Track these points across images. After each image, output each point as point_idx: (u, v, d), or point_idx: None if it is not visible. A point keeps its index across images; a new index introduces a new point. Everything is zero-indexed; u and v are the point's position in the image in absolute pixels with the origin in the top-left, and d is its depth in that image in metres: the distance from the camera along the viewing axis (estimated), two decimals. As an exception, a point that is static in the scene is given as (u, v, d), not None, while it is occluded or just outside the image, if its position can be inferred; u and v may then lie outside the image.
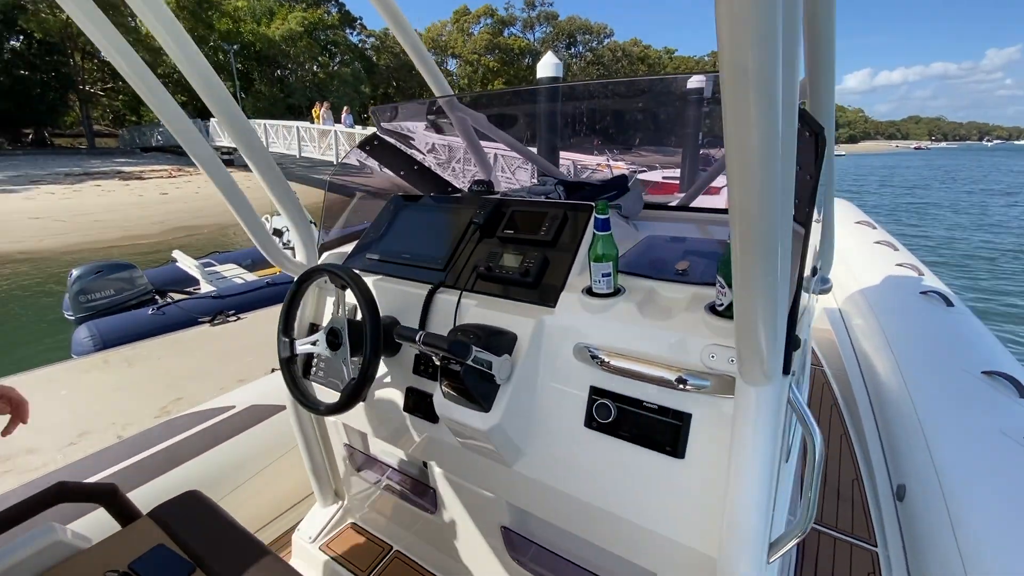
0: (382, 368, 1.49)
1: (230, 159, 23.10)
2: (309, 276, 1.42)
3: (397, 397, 1.45)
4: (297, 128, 19.60)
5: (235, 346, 4.65)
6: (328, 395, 1.65)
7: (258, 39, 32.77)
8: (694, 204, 1.87)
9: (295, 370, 1.45)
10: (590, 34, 57.95)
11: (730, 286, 0.96)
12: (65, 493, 1.26)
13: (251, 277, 6.89)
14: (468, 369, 1.10)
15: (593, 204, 1.35)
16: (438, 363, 1.22)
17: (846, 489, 2.21)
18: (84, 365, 4.33)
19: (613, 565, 1.18)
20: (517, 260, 1.32)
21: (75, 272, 5.58)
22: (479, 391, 1.12)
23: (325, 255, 1.76)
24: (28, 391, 3.90)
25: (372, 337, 1.24)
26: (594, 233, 1.10)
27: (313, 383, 1.67)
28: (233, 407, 2.23)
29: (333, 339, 1.37)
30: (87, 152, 29.08)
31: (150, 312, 5.42)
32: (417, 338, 1.08)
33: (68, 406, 3.50)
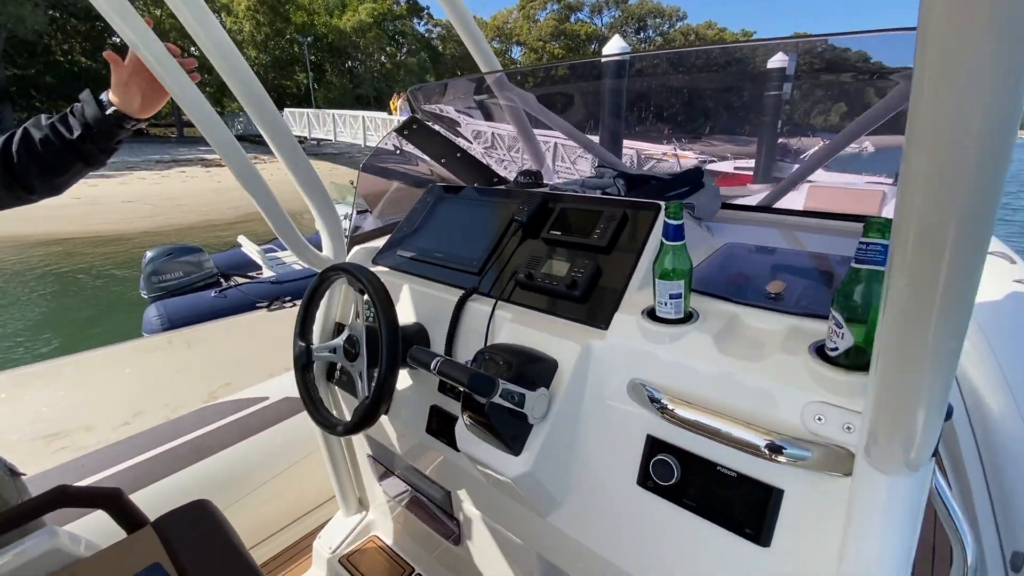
0: (406, 380, 1.32)
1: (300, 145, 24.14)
2: (327, 276, 1.26)
3: (420, 415, 1.27)
4: (363, 118, 20.07)
5: (288, 332, 4.69)
6: (351, 403, 1.51)
7: (330, 31, 33.89)
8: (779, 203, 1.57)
9: (310, 379, 1.31)
10: (661, 17, 55.63)
11: (850, 322, 0.70)
12: (66, 497, 1.19)
13: (309, 263, 7.04)
14: (494, 405, 0.89)
15: (661, 204, 1.11)
16: (462, 388, 1.02)
17: (943, 546, 1.84)
18: (150, 345, 4.52)
19: None
20: (564, 268, 1.10)
21: (149, 254, 5.87)
22: (507, 431, 0.91)
23: (355, 249, 1.61)
24: (99, 367, 4.06)
25: (388, 352, 1.06)
26: (662, 242, 0.86)
27: (337, 388, 1.54)
28: (267, 398, 2.17)
29: (350, 348, 1.21)
30: (176, 140, 31.27)
31: (213, 295, 5.62)
32: (432, 366, 0.88)
33: (129, 385, 3.63)
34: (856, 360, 0.71)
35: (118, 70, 1.06)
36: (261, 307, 5.58)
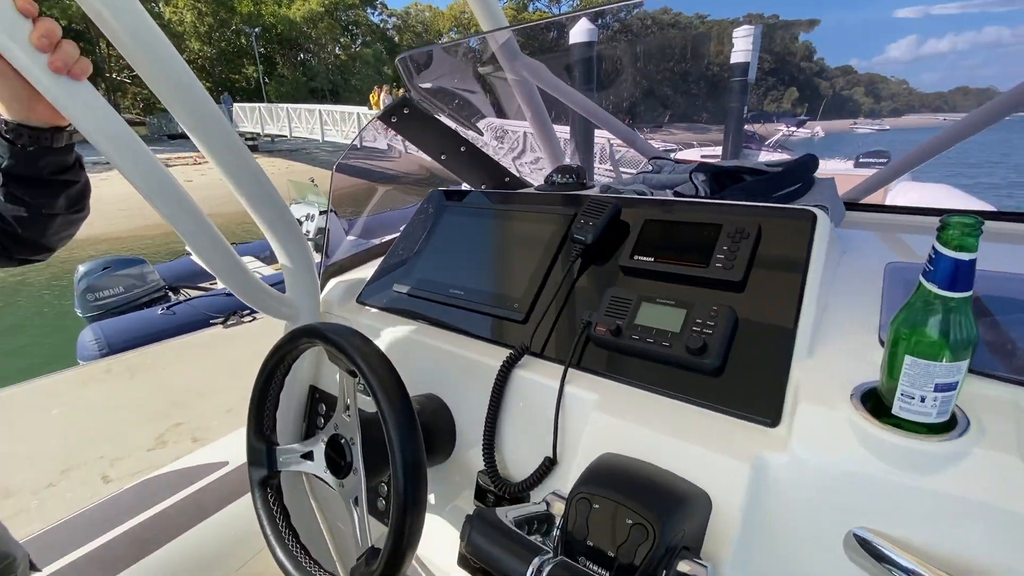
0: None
1: (254, 144, 22.88)
2: (296, 344, 0.82)
3: (448, 535, 0.87)
4: (320, 111, 19.12)
5: (248, 353, 4.16)
6: (346, 520, 1.09)
7: (279, 21, 32.32)
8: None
9: (272, 500, 0.87)
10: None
11: None
12: None
13: (268, 271, 6.41)
14: None
15: (815, 211, 0.73)
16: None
17: None
18: (84, 375, 3.90)
19: None
20: (674, 317, 0.71)
21: (81, 268, 5.17)
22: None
23: (332, 284, 1.17)
24: (22, 408, 3.38)
25: (409, 484, 0.64)
26: (924, 287, 0.48)
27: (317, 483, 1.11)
28: (226, 463, 1.71)
29: (337, 457, 0.78)
30: (116, 139, 29.19)
31: (160, 312, 4.99)
32: (532, 571, 0.47)
33: (58, 430, 3.05)
34: None
35: None
36: (216, 323, 4.98)
